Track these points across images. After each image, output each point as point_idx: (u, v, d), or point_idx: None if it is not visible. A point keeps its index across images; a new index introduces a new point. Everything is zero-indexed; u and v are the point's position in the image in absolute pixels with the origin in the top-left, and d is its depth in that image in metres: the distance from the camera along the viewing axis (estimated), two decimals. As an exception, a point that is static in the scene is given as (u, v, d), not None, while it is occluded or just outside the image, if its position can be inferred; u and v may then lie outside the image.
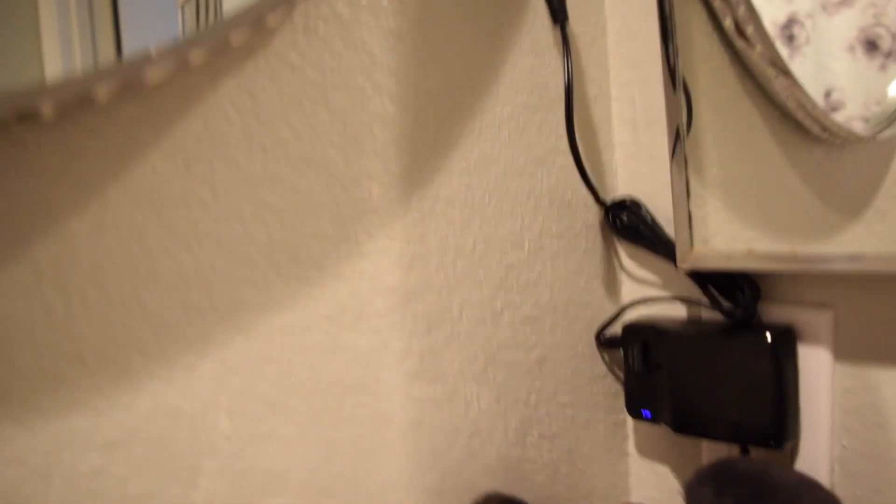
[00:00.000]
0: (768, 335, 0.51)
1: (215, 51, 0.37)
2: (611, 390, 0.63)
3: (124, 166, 0.35)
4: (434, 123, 0.48)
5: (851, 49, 1.08)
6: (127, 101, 0.35)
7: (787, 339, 0.52)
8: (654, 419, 0.58)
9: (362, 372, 0.44)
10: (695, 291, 0.57)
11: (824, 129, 0.82)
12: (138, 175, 0.36)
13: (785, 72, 0.79)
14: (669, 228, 0.59)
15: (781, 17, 1.02)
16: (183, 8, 0.39)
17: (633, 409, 0.59)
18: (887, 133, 1.00)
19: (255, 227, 0.40)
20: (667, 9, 0.62)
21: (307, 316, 0.42)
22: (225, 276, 0.39)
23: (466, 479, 0.51)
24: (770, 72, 0.79)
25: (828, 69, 1.05)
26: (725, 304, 0.55)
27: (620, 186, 0.63)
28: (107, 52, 0.35)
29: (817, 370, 0.53)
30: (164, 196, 0.37)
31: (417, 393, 0.47)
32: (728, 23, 0.76)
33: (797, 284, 0.55)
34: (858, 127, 1.00)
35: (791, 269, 0.53)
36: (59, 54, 0.34)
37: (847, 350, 0.53)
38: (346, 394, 0.44)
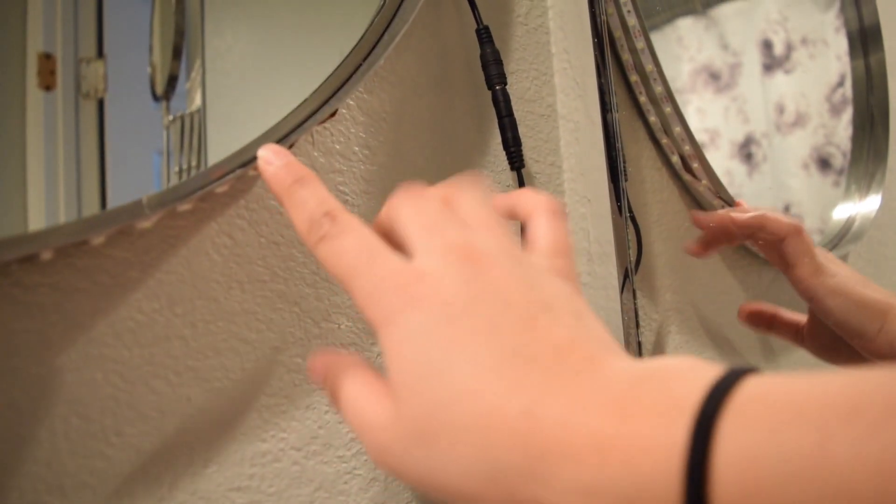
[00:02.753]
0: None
1: (200, 198, 0.41)
2: None
3: (112, 304, 0.38)
4: (401, 259, 0.52)
5: (806, 167, 1.15)
6: (117, 243, 0.38)
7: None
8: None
9: (328, 500, 0.46)
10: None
11: (771, 253, 0.87)
12: (124, 313, 0.38)
13: (730, 203, 0.85)
14: (623, 355, 0.62)
15: (739, 137, 1.09)
16: (168, 128, 0.42)
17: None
18: (833, 254, 1.05)
19: (231, 359, 0.42)
20: (615, 152, 0.67)
21: (277, 446, 0.44)
22: (200, 408, 0.41)
23: None
24: (717, 203, 0.85)
25: (785, 185, 1.12)
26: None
27: (577, 314, 0.67)
28: (91, 183, 0.38)
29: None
30: (148, 332, 0.39)
31: (382, 519, 0.49)
32: (675, 159, 0.82)
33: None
34: (815, 241, 1.05)
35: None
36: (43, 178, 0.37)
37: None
38: (313, 521, 0.45)
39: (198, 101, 0.44)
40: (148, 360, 0.39)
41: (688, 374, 0.25)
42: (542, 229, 0.34)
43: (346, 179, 0.48)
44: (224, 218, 0.42)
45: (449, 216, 0.32)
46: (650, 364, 0.26)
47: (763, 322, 0.75)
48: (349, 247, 0.31)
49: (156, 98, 0.42)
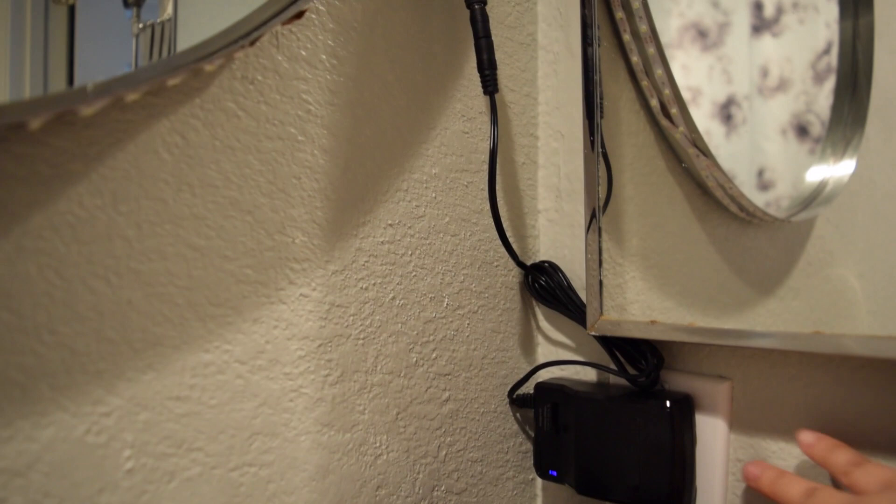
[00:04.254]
0: (668, 403, 0.53)
1: (151, 91, 0.38)
2: (521, 449, 0.65)
3: (51, 196, 0.36)
4: (362, 177, 0.50)
5: (784, 132, 1.15)
6: (59, 133, 0.36)
7: (686, 407, 0.54)
8: (560, 479, 0.60)
9: (272, 416, 0.45)
10: (604, 356, 0.59)
11: (742, 208, 0.87)
12: (63, 206, 0.36)
13: (706, 153, 0.84)
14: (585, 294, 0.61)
15: (721, 97, 1.07)
16: (137, 36, 0.40)
17: (541, 469, 0.61)
18: (802, 215, 1.06)
19: (177, 265, 0.40)
20: (593, 89, 0.65)
21: (221, 357, 0.42)
22: (142, 312, 0.39)
23: (370, 529, 0.51)
24: (692, 151, 0.84)
25: (761, 149, 1.11)
26: (630, 370, 0.57)
27: (542, 250, 0.66)
28: (59, 79, 0.36)
29: (713, 439, 0.55)
30: (88, 229, 0.37)
31: (327, 440, 0.48)
32: (654, 103, 0.80)
33: (698, 355, 0.58)
34: (783, 206, 1.05)
35: (691, 340, 0.55)
36: (9, 83, 0.35)
37: (742, 421, 0.55)
38: (255, 437, 0.44)
39: (169, 10, 0.41)
40: (87, 258, 0.37)
41: None
42: None
43: (311, 88, 0.46)
44: (177, 116, 0.40)
45: None
46: None
47: None
48: None
49: (126, 5, 0.40)
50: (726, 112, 1.09)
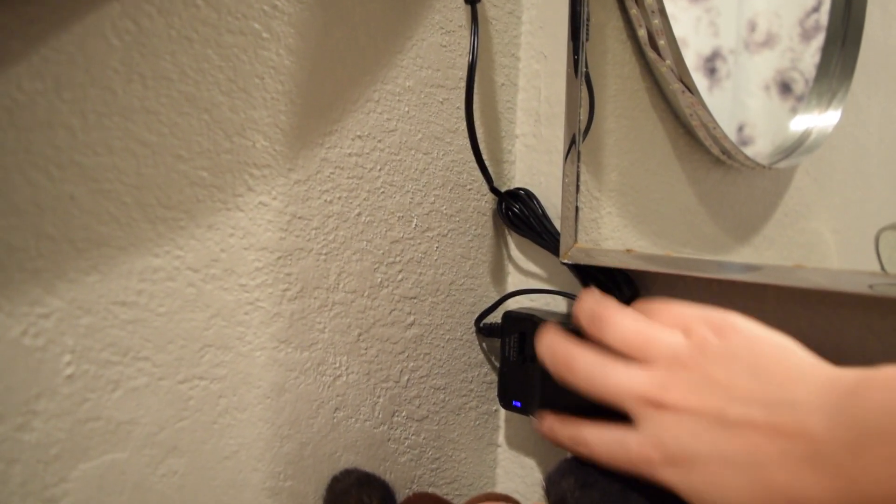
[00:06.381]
0: (639, 335, 0.51)
1: (101, -30, 0.35)
2: (486, 379, 0.63)
3: (-16, 76, 0.33)
4: (331, 83, 0.47)
5: (767, 88, 1.13)
6: (-5, 8, 0.33)
7: (657, 341, 0.53)
8: (524, 410, 0.58)
9: (226, 329, 0.43)
10: (577, 288, 0.58)
11: (723, 151, 0.85)
12: (0, 89, 0.33)
13: (691, 89, 0.81)
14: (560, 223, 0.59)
15: (706, 50, 1.05)
16: None
17: (505, 400, 0.59)
18: (783, 164, 1.04)
19: (126, 161, 0.38)
20: (580, 8, 0.62)
21: (172, 263, 0.40)
22: (86, 209, 0.36)
23: (326, 451, 0.50)
24: (677, 87, 0.81)
25: (743, 105, 1.09)
26: (603, 302, 0.56)
27: (517, 177, 0.63)
28: None
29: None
30: (27, 115, 0.34)
31: (283, 358, 0.46)
32: (642, 32, 0.77)
33: (673, 289, 0.56)
34: (764, 155, 1.03)
35: (666, 271, 0.54)
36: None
37: (712, 359, 0.54)
38: (206, 349, 0.42)
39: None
40: (25, 147, 0.34)
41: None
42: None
43: (278, -18, 0.43)
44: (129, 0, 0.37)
45: None
46: None
47: None
48: None
49: None
50: (711, 65, 1.06)
